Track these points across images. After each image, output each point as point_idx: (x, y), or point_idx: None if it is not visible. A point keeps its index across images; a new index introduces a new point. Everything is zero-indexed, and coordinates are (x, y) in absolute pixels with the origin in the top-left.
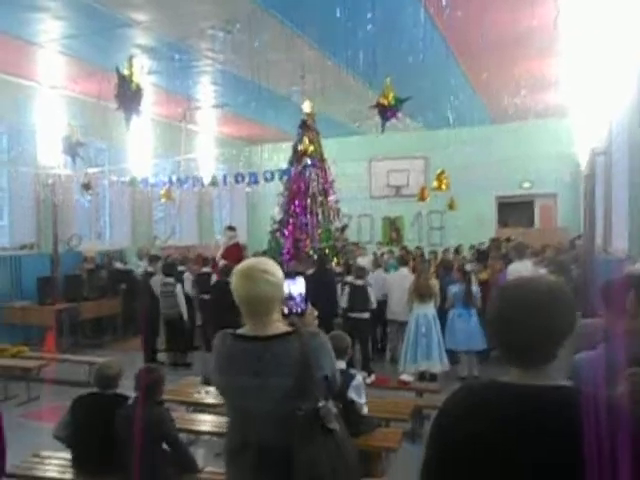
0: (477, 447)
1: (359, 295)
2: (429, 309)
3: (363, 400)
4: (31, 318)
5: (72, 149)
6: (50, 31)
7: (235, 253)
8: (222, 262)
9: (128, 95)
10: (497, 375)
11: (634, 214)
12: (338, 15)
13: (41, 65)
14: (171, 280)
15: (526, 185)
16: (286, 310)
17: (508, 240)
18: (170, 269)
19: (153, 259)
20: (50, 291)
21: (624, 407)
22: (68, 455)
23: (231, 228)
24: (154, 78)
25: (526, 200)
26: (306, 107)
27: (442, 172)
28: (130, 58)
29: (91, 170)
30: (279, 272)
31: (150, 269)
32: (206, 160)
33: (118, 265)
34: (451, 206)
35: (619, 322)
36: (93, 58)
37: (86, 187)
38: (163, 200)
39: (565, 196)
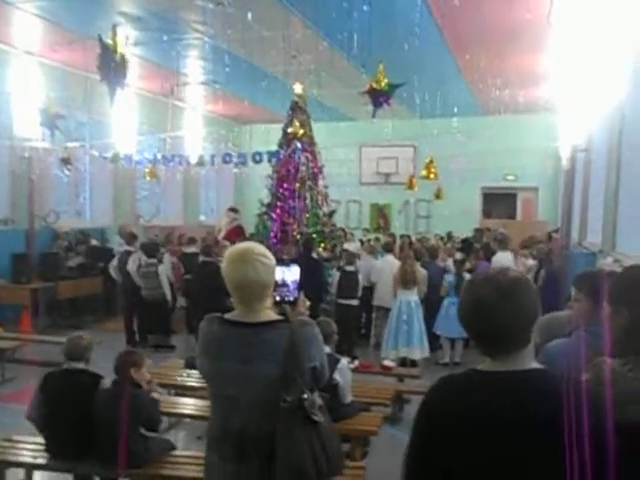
0: (457, 428)
1: (349, 281)
2: (412, 296)
3: (348, 387)
4: (3, 297)
5: (50, 121)
6: None
7: (238, 236)
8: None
9: (112, 67)
10: (477, 362)
11: (608, 210)
12: None
13: (15, 27)
14: (153, 261)
15: (510, 178)
16: (278, 298)
17: (489, 230)
18: (152, 249)
19: (130, 238)
20: (25, 269)
21: (590, 390)
22: (42, 440)
23: (233, 210)
24: (140, 50)
25: (509, 192)
26: (297, 89)
27: (431, 161)
28: (114, 27)
29: (71, 144)
30: (272, 257)
31: (129, 248)
32: (193, 138)
33: (95, 243)
34: (438, 195)
35: (591, 313)
36: (73, 25)
37: (65, 162)
38: (147, 178)
39: (546, 190)
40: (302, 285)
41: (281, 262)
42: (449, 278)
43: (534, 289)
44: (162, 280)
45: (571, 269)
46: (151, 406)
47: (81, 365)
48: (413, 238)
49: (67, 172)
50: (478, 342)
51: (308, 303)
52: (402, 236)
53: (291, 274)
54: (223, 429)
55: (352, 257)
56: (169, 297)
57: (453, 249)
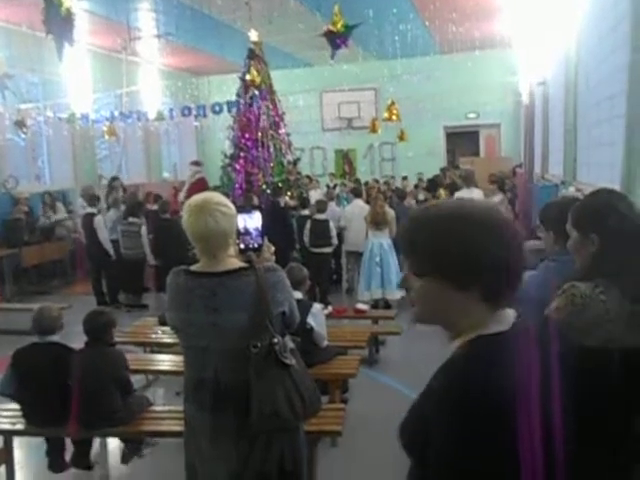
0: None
1: (321, 230)
2: (384, 238)
3: (323, 331)
4: None
5: None
6: None
7: (201, 189)
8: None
9: (58, 21)
10: None
11: (568, 142)
12: None
13: None
14: (136, 220)
15: (472, 115)
16: (242, 246)
17: (456, 167)
18: (135, 208)
19: (92, 200)
20: None
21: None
22: (17, 406)
23: (196, 163)
24: (88, 4)
25: (472, 130)
26: (253, 36)
27: (392, 103)
28: None
29: (24, 106)
30: (231, 205)
31: (91, 210)
32: (150, 93)
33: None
34: (401, 137)
35: (558, 242)
36: None
37: (20, 124)
38: (107, 137)
39: (508, 126)
40: (268, 232)
41: (242, 210)
42: None
43: None
44: (144, 240)
45: (536, 201)
46: (125, 364)
47: (53, 337)
48: (381, 182)
49: (22, 135)
50: (488, 290)
51: (273, 249)
52: (366, 183)
53: (253, 221)
54: (197, 380)
55: (323, 204)
56: (150, 257)
57: (420, 190)
